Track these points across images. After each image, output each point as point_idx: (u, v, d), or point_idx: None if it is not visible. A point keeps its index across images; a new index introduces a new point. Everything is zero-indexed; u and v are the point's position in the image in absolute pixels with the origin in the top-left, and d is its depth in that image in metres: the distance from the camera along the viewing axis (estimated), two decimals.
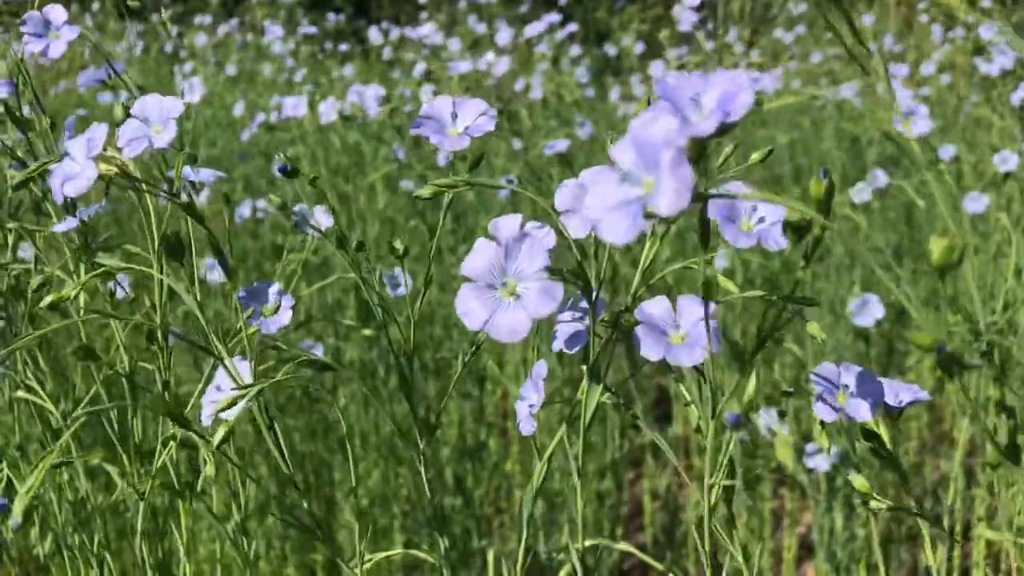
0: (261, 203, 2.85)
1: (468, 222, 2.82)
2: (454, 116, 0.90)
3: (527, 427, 0.85)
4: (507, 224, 0.74)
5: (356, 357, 2.51)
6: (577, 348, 0.80)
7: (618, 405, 0.83)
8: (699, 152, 0.55)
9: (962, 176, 3.21)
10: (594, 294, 0.76)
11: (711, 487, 0.78)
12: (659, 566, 1.04)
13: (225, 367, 0.89)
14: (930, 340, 0.57)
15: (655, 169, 0.53)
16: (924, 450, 2.82)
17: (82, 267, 1.21)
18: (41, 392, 1.25)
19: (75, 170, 0.85)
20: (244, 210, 2.77)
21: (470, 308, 0.71)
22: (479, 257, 0.72)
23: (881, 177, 2.89)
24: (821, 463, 2.19)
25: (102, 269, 0.87)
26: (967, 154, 3.12)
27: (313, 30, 4.70)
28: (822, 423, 0.82)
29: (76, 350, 0.88)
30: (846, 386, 0.80)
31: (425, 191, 0.83)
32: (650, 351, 0.76)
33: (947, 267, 0.60)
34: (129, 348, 1.24)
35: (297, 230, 1.66)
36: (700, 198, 0.57)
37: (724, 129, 0.55)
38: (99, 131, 0.85)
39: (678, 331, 0.78)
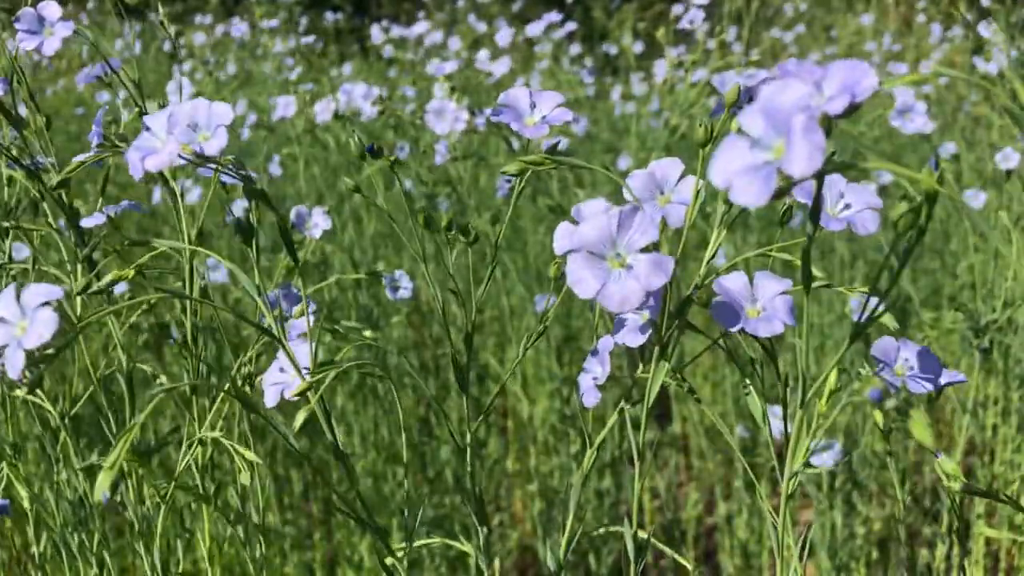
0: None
1: (467, 219, 2.81)
2: (532, 106, 0.93)
3: (591, 399, 0.89)
4: (592, 208, 0.77)
5: (352, 354, 2.51)
6: (642, 339, 0.82)
7: (683, 388, 0.86)
8: (827, 130, 0.57)
9: (961, 175, 3.21)
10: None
11: (791, 476, 0.80)
12: (686, 562, 1.04)
13: (285, 349, 0.90)
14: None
15: (785, 135, 0.55)
16: (923, 448, 2.81)
17: (79, 266, 1.21)
18: (39, 391, 1.25)
19: (156, 145, 0.84)
20: (238, 211, 2.76)
21: (582, 277, 0.73)
22: (593, 226, 0.74)
23: (885, 175, 2.89)
24: (827, 460, 2.18)
25: (158, 250, 0.87)
26: (967, 152, 3.12)
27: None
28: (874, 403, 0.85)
29: (152, 326, 0.89)
30: (906, 360, 0.82)
31: (511, 167, 0.85)
32: (728, 322, 0.79)
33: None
34: (127, 347, 1.24)
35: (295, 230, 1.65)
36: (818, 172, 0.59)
37: (852, 109, 0.57)
38: (181, 108, 0.85)
39: (755, 304, 0.81)
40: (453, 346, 1.02)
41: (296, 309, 1.08)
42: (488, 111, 2.73)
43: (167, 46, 4.74)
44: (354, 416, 2.47)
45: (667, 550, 1.08)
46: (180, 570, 1.29)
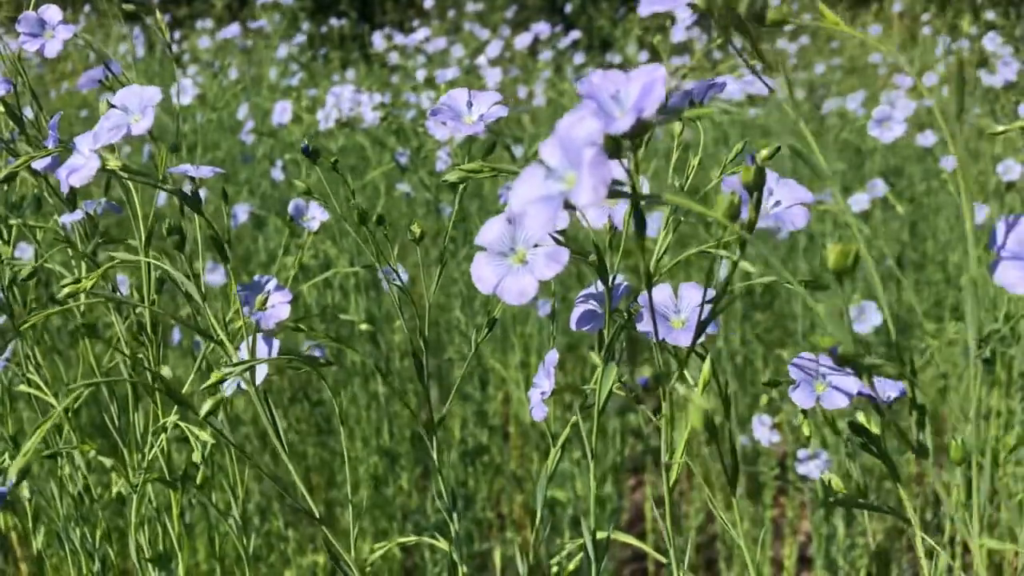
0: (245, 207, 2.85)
1: (468, 226, 2.82)
2: (469, 105, 0.96)
3: (539, 413, 0.90)
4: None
5: (358, 359, 2.51)
6: (589, 327, 0.85)
7: (630, 398, 0.86)
8: (616, 148, 0.60)
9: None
10: (611, 278, 0.80)
11: (668, 467, 0.82)
12: (661, 557, 1.04)
13: (224, 349, 0.92)
14: (829, 342, 0.62)
15: (577, 167, 0.58)
16: (924, 460, 2.81)
17: (83, 262, 1.21)
18: (42, 385, 1.26)
19: (80, 162, 0.89)
20: (241, 214, 2.75)
21: (482, 275, 0.77)
22: (492, 228, 0.77)
23: (880, 186, 2.90)
24: (812, 470, 2.18)
25: (116, 260, 0.89)
26: (970, 165, 3.12)
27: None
28: (804, 412, 0.87)
29: (78, 327, 0.91)
30: (824, 376, 0.83)
31: (452, 176, 0.88)
32: (652, 334, 0.80)
33: (843, 271, 0.63)
34: (128, 343, 1.25)
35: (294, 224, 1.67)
36: (616, 195, 0.62)
37: (641, 127, 0.60)
38: (103, 126, 0.90)
39: (679, 316, 0.83)
40: (413, 341, 1.04)
41: (257, 299, 1.09)
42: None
43: (172, 49, 4.73)
44: (356, 421, 2.47)
45: (643, 546, 1.08)
46: (177, 566, 1.28)
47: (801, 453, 2.22)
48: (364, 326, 1.69)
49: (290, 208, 1.66)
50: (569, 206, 0.58)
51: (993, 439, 2.39)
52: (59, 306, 1.13)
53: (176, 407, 1.16)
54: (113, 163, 0.89)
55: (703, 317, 0.79)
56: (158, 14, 1.51)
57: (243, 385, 1.08)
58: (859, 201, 2.85)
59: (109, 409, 1.28)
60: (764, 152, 0.92)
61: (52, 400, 1.25)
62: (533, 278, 0.75)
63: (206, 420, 0.90)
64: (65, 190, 0.89)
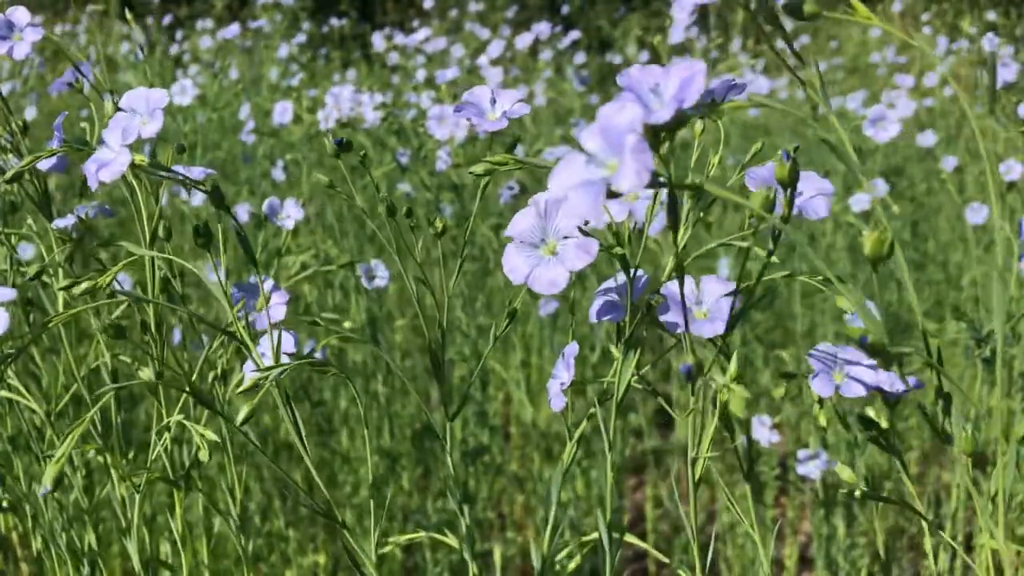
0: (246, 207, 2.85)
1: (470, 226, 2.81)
2: (493, 102, 0.98)
3: (558, 403, 0.91)
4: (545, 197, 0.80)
5: (359, 360, 2.51)
6: (609, 318, 0.85)
7: (647, 391, 0.87)
8: (655, 139, 0.61)
9: (964, 187, 3.21)
10: (632, 270, 0.81)
11: (694, 460, 0.82)
12: (663, 556, 1.05)
13: (245, 347, 0.92)
14: (859, 332, 0.63)
15: (619, 153, 0.59)
16: (926, 460, 2.81)
17: (61, 268, 1.21)
18: (23, 390, 1.26)
19: (109, 157, 0.88)
20: (241, 214, 2.74)
21: (515, 265, 0.78)
22: (523, 220, 0.79)
23: (880, 186, 2.90)
24: (812, 470, 2.17)
25: (132, 258, 0.89)
26: (971, 165, 3.12)
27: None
28: (820, 401, 0.88)
29: (107, 327, 0.91)
30: (842, 366, 0.84)
31: (478, 168, 0.89)
32: (674, 325, 0.81)
33: (878, 259, 0.65)
34: (111, 346, 1.25)
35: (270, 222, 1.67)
36: (656, 183, 0.62)
37: (681, 118, 0.61)
38: (133, 121, 0.89)
39: (700, 307, 0.83)
40: (428, 337, 1.05)
41: (258, 301, 1.09)
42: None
43: (172, 49, 4.74)
44: (356, 421, 2.47)
45: (644, 545, 1.08)
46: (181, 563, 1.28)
47: (801, 453, 2.22)
48: (347, 324, 1.69)
49: (264, 207, 1.67)
50: (611, 192, 0.59)
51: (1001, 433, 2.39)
52: (47, 307, 1.14)
53: (179, 407, 1.15)
54: (139, 159, 0.89)
55: (734, 310, 0.80)
56: (129, 16, 1.51)
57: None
58: (860, 200, 2.85)
59: (95, 415, 1.28)
60: (755, 146, 0.94)
61: (34, 405, 1.25)
62: (564, 268, 0.76)
63: (239, 428, 0.89)
64: (94, 185, 0.87)
